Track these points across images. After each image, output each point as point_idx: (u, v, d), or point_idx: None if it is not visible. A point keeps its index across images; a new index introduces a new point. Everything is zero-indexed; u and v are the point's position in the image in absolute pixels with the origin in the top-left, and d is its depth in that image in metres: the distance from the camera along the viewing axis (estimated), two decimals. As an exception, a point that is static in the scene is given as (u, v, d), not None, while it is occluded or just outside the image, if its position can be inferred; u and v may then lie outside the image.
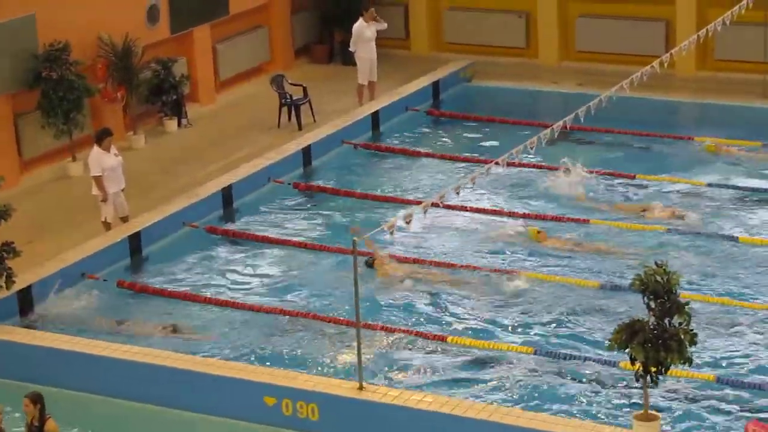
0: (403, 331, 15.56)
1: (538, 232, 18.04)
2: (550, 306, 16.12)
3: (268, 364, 14.78)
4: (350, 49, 24.27)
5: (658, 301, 12.23)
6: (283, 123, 23.37)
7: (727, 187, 19.70)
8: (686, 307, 12.28)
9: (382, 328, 15.62)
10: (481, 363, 14.90)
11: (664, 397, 13.82)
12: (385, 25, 24.42)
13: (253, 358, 15.12)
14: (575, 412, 13.74)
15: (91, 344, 15.04)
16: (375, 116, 23.05)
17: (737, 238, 17.79)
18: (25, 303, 16.29)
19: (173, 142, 22.80)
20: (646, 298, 12.29)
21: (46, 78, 20.40)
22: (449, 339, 15.35)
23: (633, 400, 13.79)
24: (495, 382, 14.44)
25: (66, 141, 20.88)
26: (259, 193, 20.16)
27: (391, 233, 13.89)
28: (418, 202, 16.41)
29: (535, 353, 14.90)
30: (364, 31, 23.89)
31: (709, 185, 19.78)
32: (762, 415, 13.43)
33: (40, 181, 20.84)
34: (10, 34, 20.23)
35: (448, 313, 16.14)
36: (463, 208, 19.07)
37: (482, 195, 19.76)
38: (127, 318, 16.23)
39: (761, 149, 21.12)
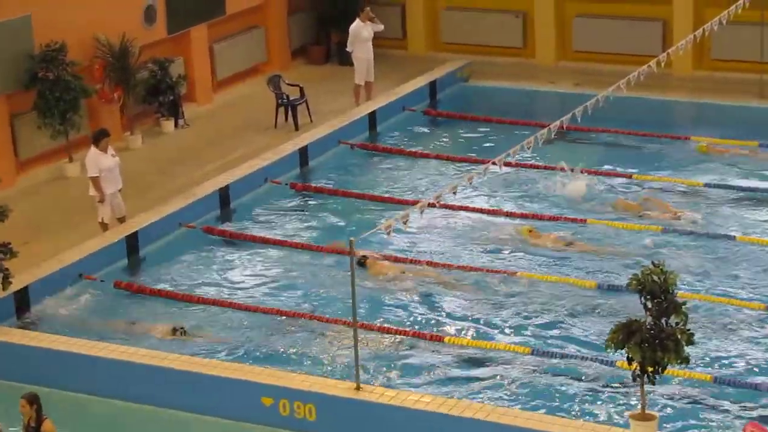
0: (400, 332, 15.56)
1: (530, 230, 18.05)
2: (547, 306, 16.11)
3: (265, 364, 14.78)
4: (347, 50, 24.27)
5: (655, 300, 12.23)
6: (279, 123, 23.37)
7: (725, 186, 19.71)
8: (683, 306, 12.28)
9: (379, 329, 15.63)
10: (477, 363, 14.90)
11: (661, 397, 13.82)
12: (382, 26, 24.44)
13: (250, 359, 15.12)
14: (572, 411, 13.74)
15: (88, 345, 15.03)
16: (372, 116, 23.04)
17: (734, 237, 17.79)
18: (22, 304, 16.29)
19: (170, 143, 22.79)
20: (643, 298, 12.29)
21: (42, 78, 20.39)
22: (446, 339, 15.35)
23: (630, 400, 13.79)
24: (492, 382, 14.45)
25: (63, 141, 20.88)
26: (256, 193, 20.15)
27: (388, 234, 13.87)
28: (415, 202, 16.41)
29: (532, 353, 14.90)
30: (361, 32, 23.89)
31: (707, 185, 19.79)
32: (759, 413, 13.44)
33: (37, 181, 20.83)
34: (6, 34, 20.22)
35: (443, 313, 16.13)
36: (459, 208, 19.07)
37: (478, 195, 19.74)
38: (137, 319, 16.22)
39: (758, 149, 21.13)
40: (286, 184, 20.47)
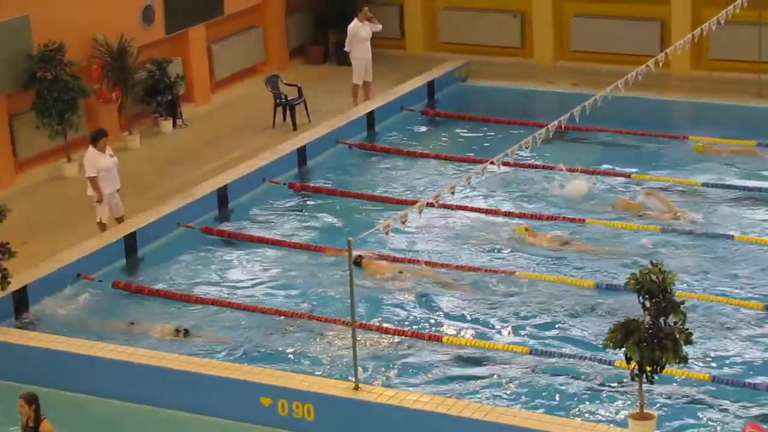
0: (399, 332, 15.56)
1: (526, 229, 18.06)
2: (546, 305, 16.12)
3: (263, 364, 14.78)
4: (345, 49, 24.27)
5: (654, 300, 12.24)
6: (278, 123, 23.36)
7: (723, 186, 19.72)
8: (681, 306, 12.28)
9: (377, 329, 15.63)
10: (476, 362, 14.91)
11: (659, 396, 13.83)
12: (380, 27, 24.44)
13: (248, 359, 15.11)
14: (571, 411, 13.74)
15: (87, 345, 15.03)
16: (370, 116, 23.04)
17: (733, 236, 17.80)
18: (21, 304, 16.28)
19: (168, 143, 22.79)
20: (641, 298, 12.29)
21: (40, 78, 20.39)
22: (445, 339, 15.35)
23: (628, 400, 13.79)
24: (490, 382, 14.45)
25: (61, 141, 20.88)
26: (255, 193, 20.14)
27: (387, 234, 13.87)
28: (414, 202, 16.41)
29: (530, 353, 14.90)
30: (359, 31, 23.89)
31: (705, 184, 19.79)
32: (757, 412, 13.45)
33: (35, 181, 20.83)
34: (4, 34, 20.21)
35: (441, 313, 16.13)
36: (457, 208, 19.06)
37: (476, 194, 19.74)
38: (137, 319, 16.21)
39: (756, 149, 21.14)
40: (285, 184, 20.47)
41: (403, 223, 14.20)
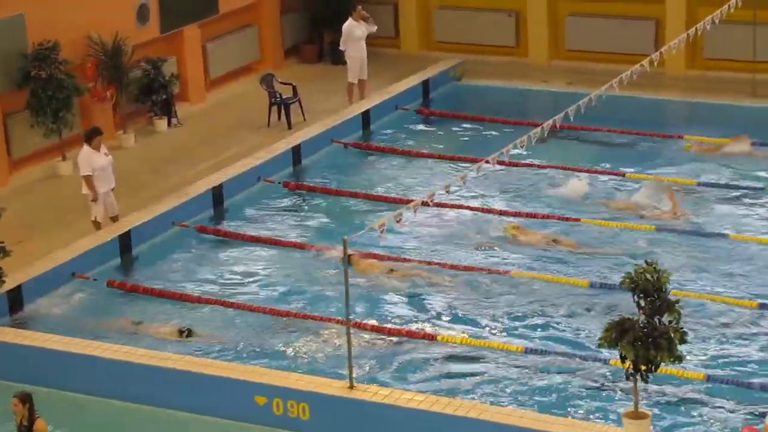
0: (393, 331, 15.57)
1: (515, 227, 18.07)
2: (540, 304, 16.12)
3: (258, 363, 14.77)
4: (340, 48, 24.27)
5: (648, 299, 12.24)
6: (272, 122, 23.36)
7: (718, 185, 19.73)
8: (676, 305, 12.29)
9: (372, 328, 15.63)
10: (470, 361, 14.90)
11: (654, 395, 13.84)
12: (375, 27, 24.42)
13: (243, 357, 15.11)
14: (565, 409, 13.75)
15: (86, 345, 15.00)
16: (365, 115, 23.05)
17: (727, 235, 17.82)
18: (15, 303, 16.27)
19: (163, 142, 22.77)
20: (636, 297, 12.30)
21: (35, 77, 20.37)
22: (439, 337, 15.36)
23: (623, 398, 13.80)
24: (485, 380, 14.45)
25: (55, 140, 20.85)
26: (249, 192, 20.14)
27: (381, 232, 13.87)
28: (409, 201, 16.41)
29: (525, 351, 14.91)
30: (354, 30, 23.89)
31: (699, 183, 19.81)
32: (751, 411, 13.46)
33: (30, 180, 20.81)
34: (-1, 33, 20.24)
35: (436, 312, 16.13)
36: (451, 206, 19.06)
37: (471, 193, 19.74)
38: (135, 319, 16.19)
39: (751, 148, 21.16)
40: (279, 183, 20.47)
41: (398, 222, 14.20)
